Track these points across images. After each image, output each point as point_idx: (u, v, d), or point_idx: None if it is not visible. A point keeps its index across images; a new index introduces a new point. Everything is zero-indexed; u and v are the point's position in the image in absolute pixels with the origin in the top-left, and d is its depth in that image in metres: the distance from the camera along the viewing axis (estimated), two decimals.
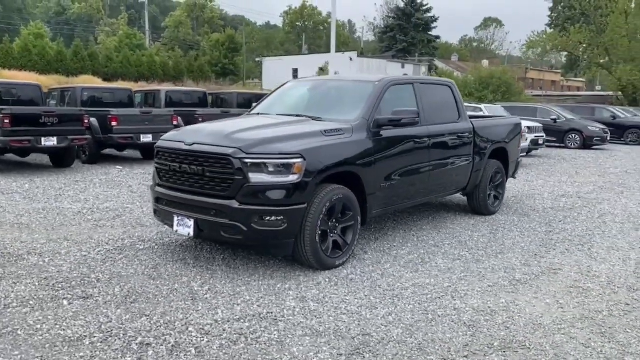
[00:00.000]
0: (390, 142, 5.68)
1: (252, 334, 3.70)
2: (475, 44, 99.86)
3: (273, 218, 4.63)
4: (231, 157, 4.62)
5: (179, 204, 5.02)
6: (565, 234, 6.81)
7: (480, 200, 7.55)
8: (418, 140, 6.06)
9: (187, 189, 4.96)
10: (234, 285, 4.61)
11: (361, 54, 50.23)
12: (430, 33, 62.39)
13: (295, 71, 48.41)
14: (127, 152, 14.48)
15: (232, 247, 5.66)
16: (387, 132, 5.65)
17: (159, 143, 5.32)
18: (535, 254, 5.84)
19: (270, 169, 4.63)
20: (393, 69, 45.75)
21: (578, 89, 70.86)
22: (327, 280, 4.80)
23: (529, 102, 31.64)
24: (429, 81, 6.91)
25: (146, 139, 12.23)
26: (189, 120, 13.40)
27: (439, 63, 52.97)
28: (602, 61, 41.35)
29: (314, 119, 5.58)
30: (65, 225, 6.61)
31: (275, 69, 50.04)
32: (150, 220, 6.90)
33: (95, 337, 3.60)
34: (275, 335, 3.70)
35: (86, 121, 11.14)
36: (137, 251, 5.55)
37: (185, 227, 4.95)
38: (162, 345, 3.51)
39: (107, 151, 13.41)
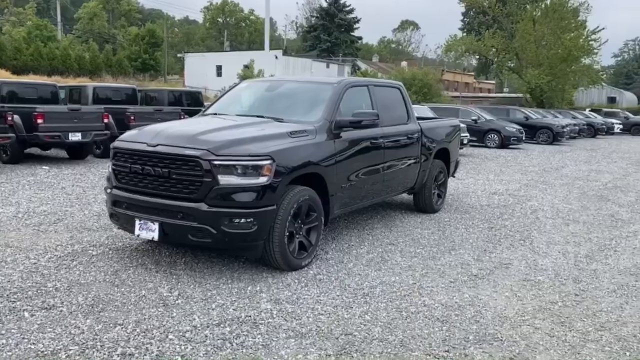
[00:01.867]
0: (350, 144, 5.78)
1: (236, 339, 3.66)
2: (393, 46, 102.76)
3: (243, 220, 4.58)
4: (200, 158, 4.52)
5: (141, 207, 4.84)
6: (505, 230, 7.22)
7: (426, 199, 7.85)
8: (374, 141, 6.21)
9: (150, 191, 4.79)
10: (203, 290, 4.52)
11: (285, 53, 50.24)
12: (352, 34, 63.55)
13: (219, 68, 47.73)
14: (52, 152, 13.67)
15: (192, 250, 5.53)
16: (346, 134, 5.74)
17: (116, 144, 5.10)
18: (484, 250, 6.16)
19: (240, 171, 4.58)
20: (318, 69, 46.22)
21: (489, 90, 74.81)
22: (296, 281, 4.82)
23: (448, 102, 33.05)
24: (381, 83, 7.07)
25: (75, 137, 11.62)
26: (120, 118, 12.92)
27: (361, 64, 54.02)
28: (512, 65, 43.91)
29: (275, 120, 5.56)
30: (1, 230, 6.17)
31: (197, 65, 49.04)
32: (96, 224, 6.59)
33: (70, 349, 3.42)
34: (259, 339, 3.68)
35: (10, 118, 10.41)
36: (91, 257, 5.29)
37: (148, 231, 4.79)
38: (144, 355, 3.39)
39: (30, 150, 12.61)
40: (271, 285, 4.69)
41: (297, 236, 5.09)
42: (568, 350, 3.71)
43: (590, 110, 41.06)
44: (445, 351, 3.62)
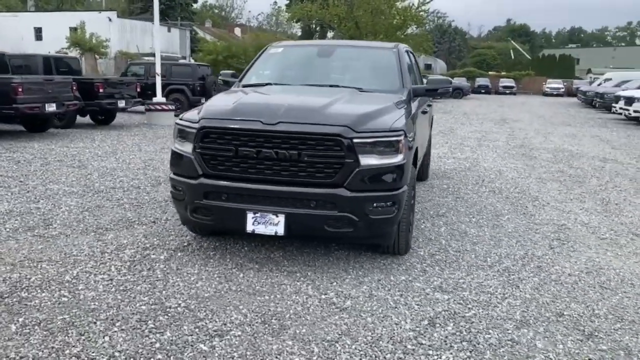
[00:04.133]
0: (418, 114, 5.46)
1: (475, 337, 3.26)
2: (216, 11, 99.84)
3: (385, 204, 4.07)
4: (341, 137, 3.88)
5: (254, 197, 4.02)
6: (507, 192, 7.51)
7: (424, 168, 7.82)
8: (424, 110, 5.95)
9: (268, 178, 3.99)
10: (350, 286, 3.95)
11: (120, 15, 45.70)
12: None
13: (38, 30, 41.87)
14: None
15: (262, 241, 4.79)
16: (412, 104, 5.40)
17: (208, 123, 4.10)
18: (523, 213, 6.34)
19: (380, 149, 4.03)
20: (159, 33, 43.01)
21: None
22: (425, 265, 4.46)
23: None
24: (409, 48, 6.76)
25: None
26: (4, 90, 10.65)
27: (197, 29, 51.51)
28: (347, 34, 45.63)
29: (356, 89, 4.99)
30: None
31: (8, 27, 42.29)
32: (103, 222, 5.38)
33: None
34: (495, 334, 3.33)
35: None
36: (165, 263, 4.30)
37: (268, 225, 4.00)
38: None
39: None
40: (406, 272, 4.28)
41: None
42: None
43: None
44: None
